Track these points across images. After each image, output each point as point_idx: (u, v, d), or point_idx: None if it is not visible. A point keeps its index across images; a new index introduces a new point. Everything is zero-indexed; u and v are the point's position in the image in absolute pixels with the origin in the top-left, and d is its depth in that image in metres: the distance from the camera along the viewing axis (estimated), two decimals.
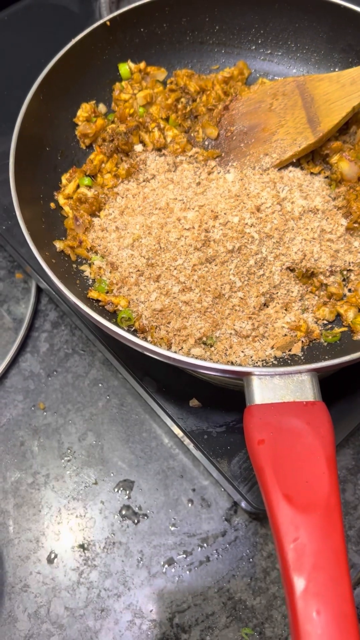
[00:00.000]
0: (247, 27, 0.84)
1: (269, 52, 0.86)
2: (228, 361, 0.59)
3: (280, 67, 0.86)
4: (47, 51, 0.75)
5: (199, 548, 0.70)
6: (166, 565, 0.69)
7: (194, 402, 0.66)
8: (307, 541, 0.43)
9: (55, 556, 0.70)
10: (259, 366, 0.59)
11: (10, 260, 0.89)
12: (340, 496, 0.46)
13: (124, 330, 0.53)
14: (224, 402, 0.66)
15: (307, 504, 0.44)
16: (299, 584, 0.41)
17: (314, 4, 0.79)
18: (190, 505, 0.72)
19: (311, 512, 0.44)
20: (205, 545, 0.70)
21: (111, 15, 0.77)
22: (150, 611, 0.67)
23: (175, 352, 0.57)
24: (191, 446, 0.69)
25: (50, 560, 0.69)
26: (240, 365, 0.59)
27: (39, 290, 0.85)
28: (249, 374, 0.51)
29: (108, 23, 0.77)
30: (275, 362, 0.60)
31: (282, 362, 0.60)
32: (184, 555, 0.69)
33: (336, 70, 0.84)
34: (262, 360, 0.59)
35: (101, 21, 0.76)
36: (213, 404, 0.66)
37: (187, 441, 0.70)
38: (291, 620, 0.41)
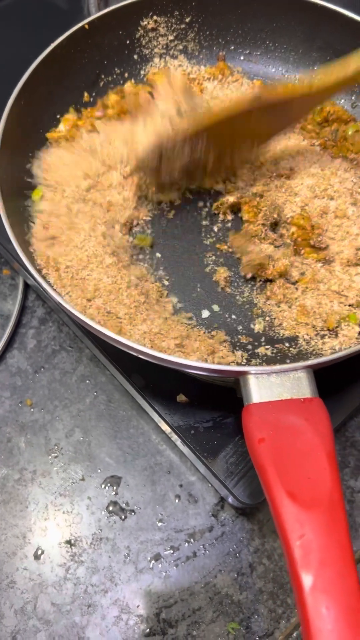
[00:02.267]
0: (226, 27, 0.85)
1: (247, 51, 0.87)
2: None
3: (259, 66, 0.87)
4: (35, 48, 0.75)
5: (186, 543, 0.70)
6: (153, 561, 0.69)
7: (181, 398, 0.66)
8: (313, 537, 0.43)
9: (42, 552, 0.69)
10: (254, 365, 0.60)
11: None
12: (342, 490, 0.46)
13: (107, 330, 0.54)
14: (211, 398, 0.66)
15: (310, 500, 0.44)
16: (307, 580, 0.41)
17: (290, 4, 0.81)
18: (177, 501, 0.72)
19: (315, 508, 0.44)
20: (192, 540, 0.70)
21: (89, 19, 0.77)
22: (137, 606, 0.67)
23: (165, 352, 0.57)
24: (178, 442, 0.70)
25: (37, 557, 0.69)
26: (235, 365, 0.60)
27: (27, 286, 0.85)
28: (245, 373, 0.52)
29: (86, 26, 0.77)
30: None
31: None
32: (171, 551, 0.70)
33: (315, 68, 0.85)
34: None
35: (79, 25, 0.76)
36: (200, 399, 0.66)
37: (174, 437, 0.70)
38: (301, 617, 0.41)
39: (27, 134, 0.73)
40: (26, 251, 0.60)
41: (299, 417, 0.48)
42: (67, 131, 0.74)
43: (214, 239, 0.72)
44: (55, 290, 0.56)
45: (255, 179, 0.71)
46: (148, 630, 0.66)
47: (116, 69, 0.84)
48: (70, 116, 0.77)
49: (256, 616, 0.67)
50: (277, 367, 0.50)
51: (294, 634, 0.66)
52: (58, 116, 0.78)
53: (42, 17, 0.97)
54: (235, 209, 0.72)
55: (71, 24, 0.77)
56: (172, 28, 0.84)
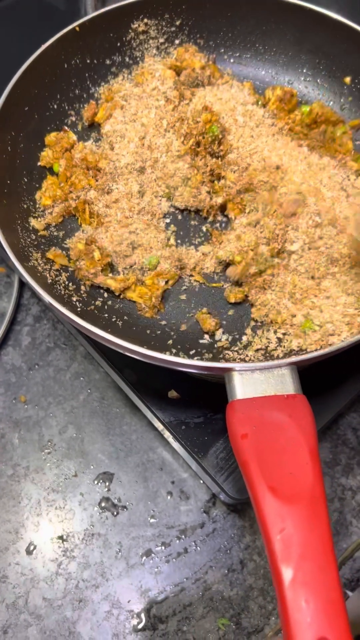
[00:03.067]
0: (216, 30, 0.86)
1: (237, 54, 0.88)
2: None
3: (249, 68, 0.88)
4: (32, 48, 0.76)
5: (177, 540, 0.70)
6: (144, 557, 0.69)
7: (172, 394, 0.67)
8: (294, 531, 0.43)
9: (34, 547, 0.70)
10: (239, 362, 0.60)
11: None
12: (324, 486, 0.46)
13: (102, 330, 0.54)
14: (202, 394, 0.67)
15: (292, 495, 0.45)
16: (287, 574, 0.42)
17: (280, 7, 0.81)
18: (169, 497, 0.73)
19: (296, 502, 0.44)
20: (183, 537, 0.70)
21: (80, 21, 0.78)
22: (128, 602, 0.67)
23: (150, 350, 0.58)
24: (170, 438, 0.70)
25: (29, 552, 0.70)
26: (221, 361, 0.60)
27: (22, 284, 0.86)
28: (229, 369, 0.52)
29: (77, 28, 0.78)
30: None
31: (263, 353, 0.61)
32: (162, 547, 0.70)
33: (304, 70, 0.85)
34: None
35: (70, 27, 0.77)
36: (191, 395, 0.67)
37: (166, 434, 0.70)
38: (281, 610, 0.41)
39: (17, 135, 0.74)
40: (17, 253, 0.61)
41: (282, 413, 0.48)
42: (52, 157, 0.75)
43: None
44: (45, 291, 0.57)
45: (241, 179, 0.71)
46: (139, 625, 0.66)
47: (106, 71, 0.84)
48: (53, 137, 0.77)
49: (246, 612, 0.67)
50: (262, 364, 0.51)
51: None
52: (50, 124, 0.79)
53: (39, 17, 0.98)
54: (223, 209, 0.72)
55: (68, 24, 0.78)
56: (163, 31, 0.85)
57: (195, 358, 0.60)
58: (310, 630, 0.39)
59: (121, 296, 0.66)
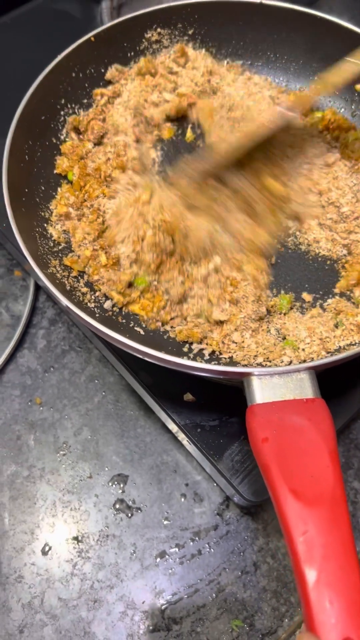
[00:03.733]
0: (227, 39, 0.87)
1: (249, 62, 0.89)
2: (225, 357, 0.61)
3: (261, 76, 0.88)
4: (49, 55, 0.77)
5: (191, 541, 0.71)
6: (158, 558, 0.70)
7: (188, 397, 0.67)
8: (316, 533, 0.44)
9: (50, 548, 0.71)
10: (257, 366, 0.61)
11: (9, 258, 0.91)
12: (344, 488, 0.47)
13: (121, 336, 0.55)
14: (218, 397, 0.68)
15: (313, 498, 0.45)
16: (311, 575, 0.42)
17: (291, 16, 0.82)
18: (183, 499, 0.73)
19: (318, 505, 0.45)
20: (197, 538, 0.71)
21: (96, 31, 0.79)
22: (143, 602, 0.68)
23: (169, 355, 0.58)
24: (185, 441, 0.71)
25: (44, 552, 0.70)
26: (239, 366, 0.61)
27: (37, 287, 0.87)
28: (248, 374, 0.53)
29: (92, 39, 0.79)
30: None
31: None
32: (176, 549, 0.71)
33: (315, 78, 0.86)
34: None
35: (85, 37, 0.79)
36: (207, 398, 0.68)
37: (181, 436, 0.71)
38: (305, 611, 0.42)
39: (34, 144, 0.76)
40: (37, 260, 0.62)
41: (301, 417, 0.49)
42: (67, 165, 0.76)
43: None
44: (66, 297, 0.58)
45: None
46: (153, 626, 0.67)
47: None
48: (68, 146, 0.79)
49: (260, 614, 0.68)
50: (280, 368, 0.51)
51: (297, 632, 0.67)
52: (62, 136, 0.80)
53: (56, 25, 0.99)
54: None
55: (84, 32, 0.79)
56: (176, 40, 0.86)
57: (213, 362, 0.61)
58: (335, 630, 0.40)
59: (124, 309, 0.67)
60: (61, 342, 0.84)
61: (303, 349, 0.61)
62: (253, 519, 0.72)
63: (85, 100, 0.82)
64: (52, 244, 0.70)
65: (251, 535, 0.72)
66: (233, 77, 0.85)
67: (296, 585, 0.44)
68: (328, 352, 0.61)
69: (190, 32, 0.86)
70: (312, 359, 0.60)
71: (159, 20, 0.84)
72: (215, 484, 0.74)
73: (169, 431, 0.76)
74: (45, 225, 0.71)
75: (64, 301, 0.57)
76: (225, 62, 0.88)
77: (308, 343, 0.61)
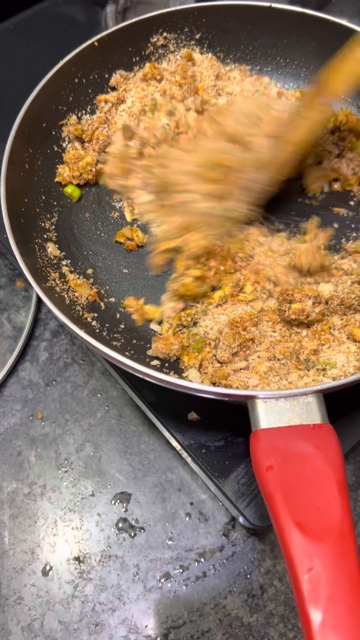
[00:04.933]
0: (236, 43, 0.85)
1: (258, 67, 0.87)
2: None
3: (271, 80, 0.86)
4: (52, 60, 0.75)
5: (196, 563, 0.69)
6: (162, 580, 0.68)
7: (192, 416, 0.65)
8: (322, 570, 0.41)
9: (50, 568, 0.69)
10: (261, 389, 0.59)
11: (11, 268, 0.89)
12: (352, 521, 0.45)
13: (120, 354, 0.53)
14: (223, 416, 0.65)
15: (319, 531, 0.43)
16: (316, 617, 0.40)
17: (301, 20, 0.80)
18: (187, 519, 0.71)
19: (324, 539, 0.43)
20: (202, 560, 0.69)
21: (99, 36, 0.77)
22: (145, 626, 0.66)
23: (172, 376, 0.57)
24: (189, 460, 0.69)
25: (45, 573, 0.69)
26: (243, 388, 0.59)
27: (40, 299, 0.85)
28: (253, 397, 0.50)
29: (96, 43, 0.77)
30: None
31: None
32: (181, 570, 0.69)
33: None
34: None
35: (89, 42, 0.77)
36: (212, 417, 0.65)
37: (185, 454, 0.69)
38: None
39: (35, 152, 0.74)
40: (33, 270, 0.60)
41: (308, 444, 0.47)
42: (69, 175, 0.75)
43: None
44: (60, 310, 0.56)
45: None
46: None
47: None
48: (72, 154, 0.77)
49: (267, 639, 0.65)
50: (287, 391, 0.49)
51: None
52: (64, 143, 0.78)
53: (59, 29, 0.98)
54: None
55: (89, 37, 0.77)
56: (182, 44, 0.84)
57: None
58: None
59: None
60: (64, 355, 0.82)
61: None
62: (260, 540, 0.70)
63: (88, 107, 0.80)
64: (52, 257, 0.68)
65: (258, 557, 0.69)
66: (241, 78, 0.83)
67: (300, 625, 0.41)
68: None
69: (197, 36, 0.84)
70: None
71: (165, 25, 0.82)
72: (220, 504, 0.71)
73: (173, 448, 0.74)
74: (45, 236, 0.70)
75: (61, 317, 0.55)
76: (234, 66, 0.86)
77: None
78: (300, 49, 0.83)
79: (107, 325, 0.65)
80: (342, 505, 0.44)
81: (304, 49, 0.83)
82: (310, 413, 0.49)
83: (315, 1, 0.95)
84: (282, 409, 0.49)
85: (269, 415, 0.49)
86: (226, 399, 0.55)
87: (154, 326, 0.66)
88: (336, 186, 0.77)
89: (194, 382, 0.56)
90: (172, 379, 0.51)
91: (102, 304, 0.67)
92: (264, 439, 0.48)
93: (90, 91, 0.80)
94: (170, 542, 0.70)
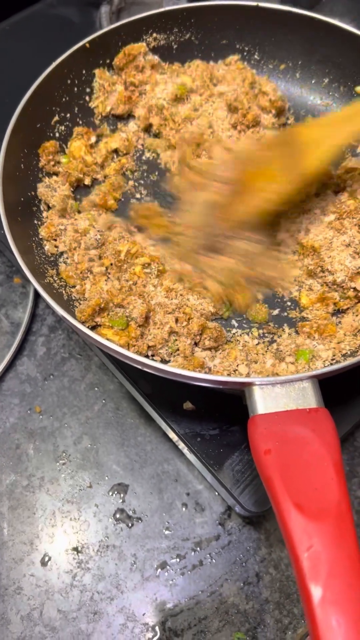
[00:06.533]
0: (224, 43, 0.86)
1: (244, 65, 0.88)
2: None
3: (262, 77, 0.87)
4: (46, 61, 0.77)
5: (193, 552, 0.70)
6: (159, 569, 0.69)
7: (187, 405, 0.66)
8: (321, 548, 0.42)
9: (49, 559, 0.70)
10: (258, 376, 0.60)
11: (8, 265, 0.90)
12: (350, 501, 0.46)
13: (110, 343, 0.54)
14: (218, 406, 0.67)
15: (318, 511, 0.44)
16: (316, 592, 0.41)
17: (288, 18, 0.81)
18: (184, 509, 0.72)
19: (323, 519, 0.44)
20: (198, 549, 0.70)
21: (91, 37, 0.79)
22: (143, 614, 0.67)
23: (172, 365, 0.58)
24: (185, 450, 0.70)
25: (44, 563, 0.70)
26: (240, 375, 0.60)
27: (37, 294, 0.86)
28: (250, 384, 0.51)
29: (87, 45, 0.79)
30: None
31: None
32: (178, 559, 0.70)
33: (313, 81, 0.85)
34: None
35: (80, 43, 0.78)
36: (207, 407, 0.67)
37: (181, 445, 0.70)
38: (311, 629, 0.41)
39: (30, 152, 0.75)
40: (31, 267, 0.61)
41: (305, 428, 0.48)
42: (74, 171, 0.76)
43: None
44: (59, 305, 0.57)
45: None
46: (154, 638, 0.66)
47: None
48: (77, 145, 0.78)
49: (262, 626, 0.66)
50: (282, 377, 0.50)
51: None
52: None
53: (54, 30, 0.99)
54: None
55: (83, 37, 0.79)
56: (174, 45, 0.85)
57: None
58: None
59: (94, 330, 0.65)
60: (61, 350, 0.83)
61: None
62: (255, 529, 0.71)
63: (83, 106, 0.82)
64: (49, 254, 0.69)
65: (253, 546, 0.70)
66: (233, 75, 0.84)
67: (301, 602, 0.43)
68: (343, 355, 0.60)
69: (186, 36, 0.86)
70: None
71: (155, 25, 0.83)
72: (216, 494, 0.73)
73: (169, 440, 0.75)
74: (41, 234, 0.71)
75: (60, 312, 0.56)
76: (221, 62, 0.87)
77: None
78: (287, 47, 0.84)
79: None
80: (339, 486, 0.45)
81: (291, 47, 0.84)
82: (306, 398, 0.50)
83: (305, 1, 0.96)
84: (279, 395, 0.50)
85: (265, 401, 0.50)
86: (223, 386, 0.56)
87: None
88: None
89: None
90: (170, 368, 0.52)
91: None
92: (261, 424, 0.49)
93: (84, 92, 0.82)
94: (167, 532, 0.71)
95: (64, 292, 0.66)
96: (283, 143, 0.67)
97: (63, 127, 0.79)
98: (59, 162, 0.77)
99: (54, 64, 0.76)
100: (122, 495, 0.73)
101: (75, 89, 0.80)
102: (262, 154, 0.68)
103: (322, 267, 0.65)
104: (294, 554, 0.43)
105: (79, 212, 0.73)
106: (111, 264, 0.67)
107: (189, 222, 0.69)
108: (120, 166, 0.79)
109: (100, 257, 0.67)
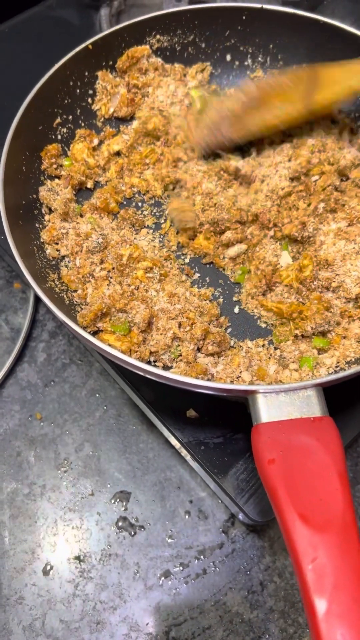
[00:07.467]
0: (228, 44, 0.85)
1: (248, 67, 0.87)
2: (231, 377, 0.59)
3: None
4: (47, 63, 0.76)
5: (196, 560, 0.69)
6: (162, 578, 0.68)
7: (191, 413, 0.66)
8: (326, 560, 0.42)
9: (51, 568, 0.69)
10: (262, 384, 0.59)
11: (8, 270, 0.89)
12: (355, 512, 0.45)
13: (111, 349, 0.54)
14: (221, 413, 0.66)
15: (323, 522, 0.43)
16: (321, 606, 0.40)
17: (293, 20, 0.80)
18: (187, 517, 0.72)
19: (328, 530, 0.43)
20: (202, 557, 0.69)
21: (93, 39, 0.78)
22: (147, 624, 0.66)
23: (174, 372, 0.57)
24: (188, 457, 0.69)
25: (45, 572, 0.69)
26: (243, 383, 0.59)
27: (37, 300, 0.85)
28: (253, 392, 0.51)
29: (90, 46, 0.78)
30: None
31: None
32: (181, 568, 0.69)
33: None
34: None
35: (83, 45, 0.78)
36: (210, 414, 0.66)
37: (184, 452, 0.69)
38: None
39: (32, 154, 0.74)
40: (32, 271, 0.60)
41: (309, 437, 0.47)
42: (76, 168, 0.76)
43: None
44: (60, 310, 0.56)
45: None
46: None
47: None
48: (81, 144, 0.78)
49: (267, 635, 0.66)
50: (286, 385, 0.50)
51: None
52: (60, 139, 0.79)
53: (54, 32, 0.98)
54: None
55: (83, 40, 0.78)
56: (177, 47, 0.84)
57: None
58: None
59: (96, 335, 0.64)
60: (62, 356, 0.82)
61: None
62: (259, 537, 0.71)
63: (85, 109, 0.81)
64: (50, 258, 0.68)
65: (257, 554, 0.70)
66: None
67: (305, 615, 0.42)
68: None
69: (190, 38, 0.85)
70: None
71: (158, 27, 0.83)
72: (220, 501, 0.72)
73: (172, 446, 0.75)
74: (43, 238, 0.70)
75: (61, 317, 0.56)
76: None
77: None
78: (291, 49, 0.84)
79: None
80: (344, 496, 0.44)
81: (295, 49, 0.83)
82: (311, 406, 0.49)
83: (307, 3, 0.96)
84: (283, 403, 0.50)
85: (269, 409, 0.49)
86: (226, 394, 0.55)
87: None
88: None
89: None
90: (173, 375, 0.51)
91: None
92: (265, 433, 0.48)
93: (85, 94, 0.81)
94: (170, 540, 0.70)
95: (65, 296, 0.65)
96: (304, 76, 0.73)
97: (65, 130, 0.79)
98: (61, 165, 0.76)
99: (56, 66, 0.75)
100: (124, 503, 0.72)
101: (78, 91, 0.80)
102: (283, 80, 0.73)
103: (336, 282, 0.64)
104: (298, 565, 0.42)
105: (81, 215, 0.72)
106: (113, 268, 0.66)
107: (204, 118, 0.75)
108: (120, 167, 0.78)
109: (102, 261, 0.67)
